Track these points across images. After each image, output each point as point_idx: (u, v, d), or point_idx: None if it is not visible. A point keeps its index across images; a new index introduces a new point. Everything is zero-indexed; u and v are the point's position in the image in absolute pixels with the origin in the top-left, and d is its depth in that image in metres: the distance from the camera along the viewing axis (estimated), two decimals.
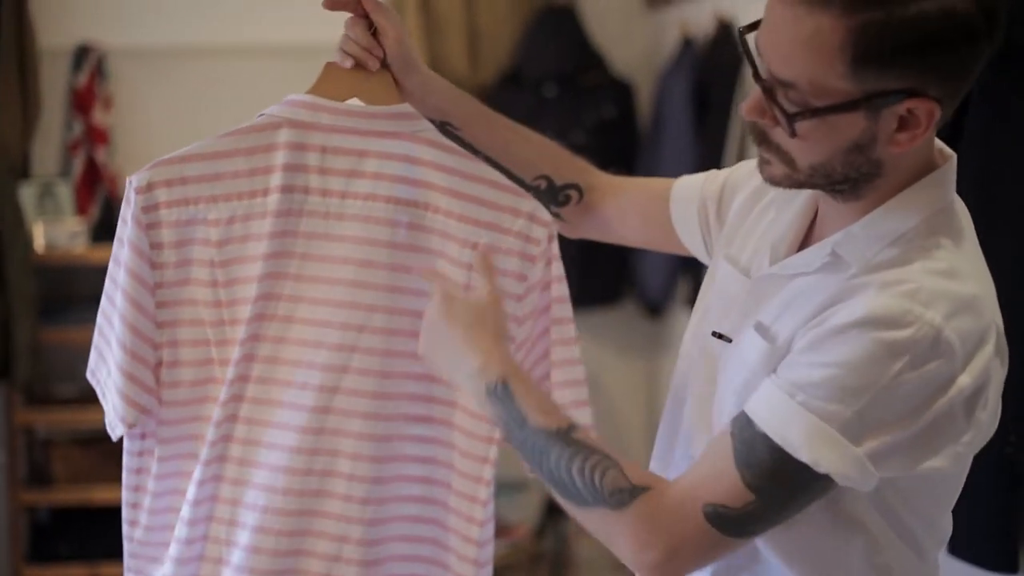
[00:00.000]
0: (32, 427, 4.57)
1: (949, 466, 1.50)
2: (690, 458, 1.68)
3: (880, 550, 1.56)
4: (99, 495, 4.37)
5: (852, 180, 1.50)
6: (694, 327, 1.76)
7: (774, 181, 1.55)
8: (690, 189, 1.86)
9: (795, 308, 1.54)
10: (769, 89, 1.46)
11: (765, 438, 1.45)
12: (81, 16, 4.65)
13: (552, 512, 4.84)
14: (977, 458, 1.57)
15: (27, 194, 4.36)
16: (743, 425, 1.48)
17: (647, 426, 5.04)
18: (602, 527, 1.53)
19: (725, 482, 1.47)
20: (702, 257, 1.86)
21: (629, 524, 1.50)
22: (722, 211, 1.80)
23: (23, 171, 4.44)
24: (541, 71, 4.84)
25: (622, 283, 4.94)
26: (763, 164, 1.55)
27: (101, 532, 4.38)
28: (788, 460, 1.44)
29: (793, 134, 1.46)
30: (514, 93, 4.82)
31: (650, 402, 5.04)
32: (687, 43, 4.54)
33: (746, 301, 1.63)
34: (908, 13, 1.38)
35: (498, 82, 4.92)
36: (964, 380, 1.45)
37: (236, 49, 4.76)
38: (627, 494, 1.50)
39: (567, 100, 4.81)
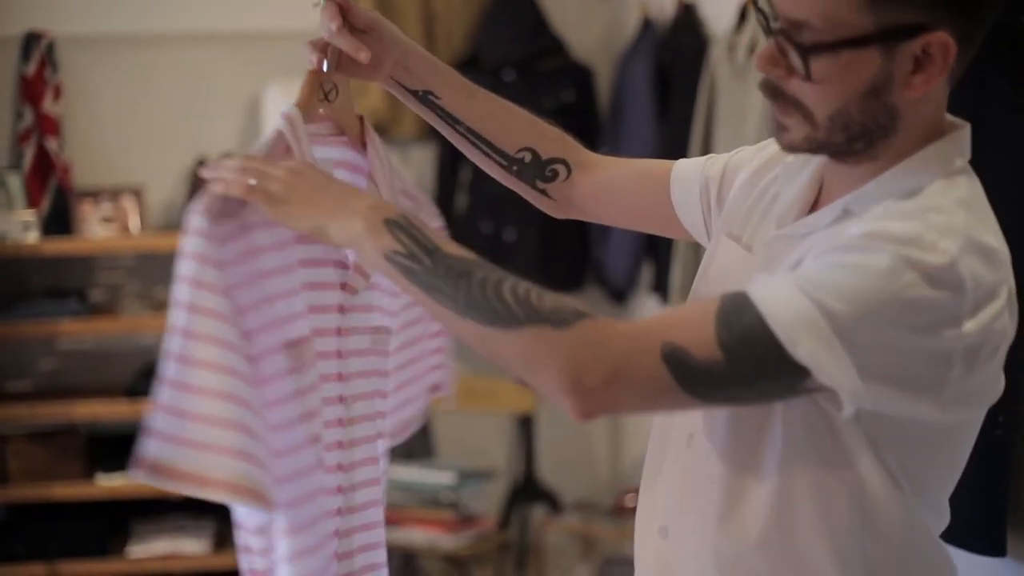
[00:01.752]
0: None
1: (934, 418, 1.45)
2: (689, 436, 1.63)
3: (870, 500, 1.51)
4: (56, 491, 4.30)
5: (869, 132, 1.48)
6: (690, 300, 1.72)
7: (793, 147, 1.52)
8: (691, 171, 1.82)
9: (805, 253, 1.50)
10: (783, 33, 1.44)
11: (753, 308, 1.39)
12: (29, 3, 4.57)
13: (517, 502, 4.81)
14: None
15: None
16: (735, 293, 1.42)
17: None
18: (532, 347, 1.41)
19: (698, 332, 1.39)
20: (701, 239, 1.83)
21: (570, 344, 1.40)
22: (723, 192, 1.77)
23: None
24: (499, 56, 4.80)
25: (585, 268, 4.90)
26: (780, 132, 1.52)
27: (59, 529, 4.32)
28: (767, 335, 1.37)
29: (808, 76, 1.44)
30: (472, 78, 4.75)
31: None
32: (647, 26, 4.50)
33: (753, 268, 1.58)
34: None
35: (455, 67, 4.85)
36: (969, 326, 1.40)
37: (186, 36, 4.70)
38: (572, 314, 1.41)
39: (526, 85, 4.76)
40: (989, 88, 2.25)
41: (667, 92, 4.27)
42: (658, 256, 4.34)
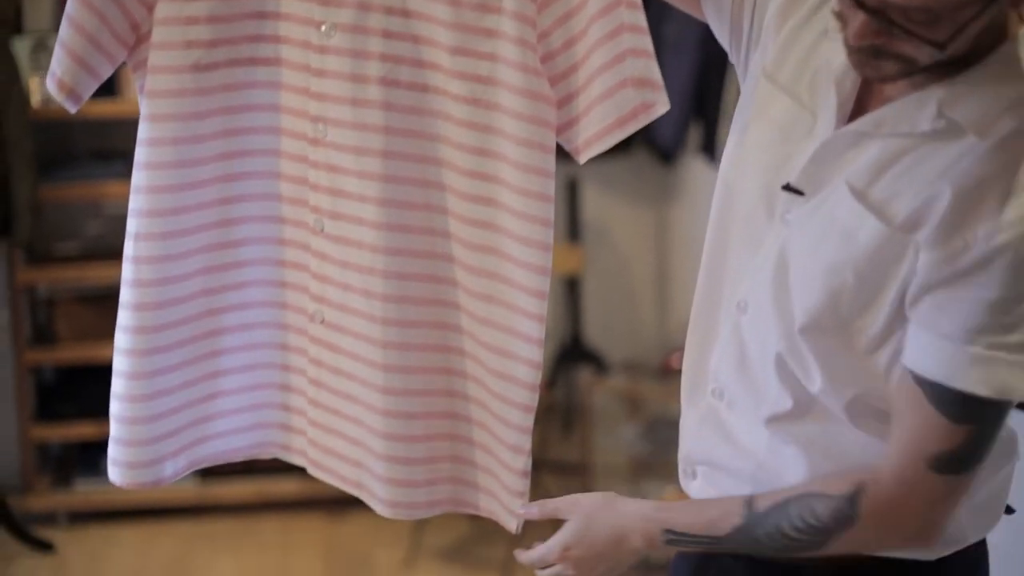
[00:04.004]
0: (34, 286, 4.52)
1: None
2: (738, 303, 1.60)
3: None
4: (104, 352, 4.30)
5: (969, 54, 1.43)
6: (732, 150, 1.66)
7: (885, 79, 1.46)
8: None
9: (899, 176, 1.45)
10: (883, 12, 1.36)
11: (961, 393, 1.42)
12: None
13: (564, 364, 4.82)
14: None
15: (21, 48, 4.25)
16: (930, 383, 1.44)
17: (657, 275, 4.99)
18: (855, 545, 1.53)
19: (934, 430, 1.45)
20: (723, 42, 1.74)
21: (873, 526, 1.49)
22: (767, 20, 1.65)
23: (16, 26, 4.32)
24: None
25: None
26: (868, 68, 1.44)
27: (108, 389, 4.36)
28: (993, 403, 1.43)
29: (943, 51, 1.37)
30: None
31: (660, 251, 4.98)
32: None
33: (821, 152, 1.52)
34: None
35: None
36: None
37: None
38: (848, 507, 1.49)
39: None
40: None
41: None
42: (707, 116, 4.29)
